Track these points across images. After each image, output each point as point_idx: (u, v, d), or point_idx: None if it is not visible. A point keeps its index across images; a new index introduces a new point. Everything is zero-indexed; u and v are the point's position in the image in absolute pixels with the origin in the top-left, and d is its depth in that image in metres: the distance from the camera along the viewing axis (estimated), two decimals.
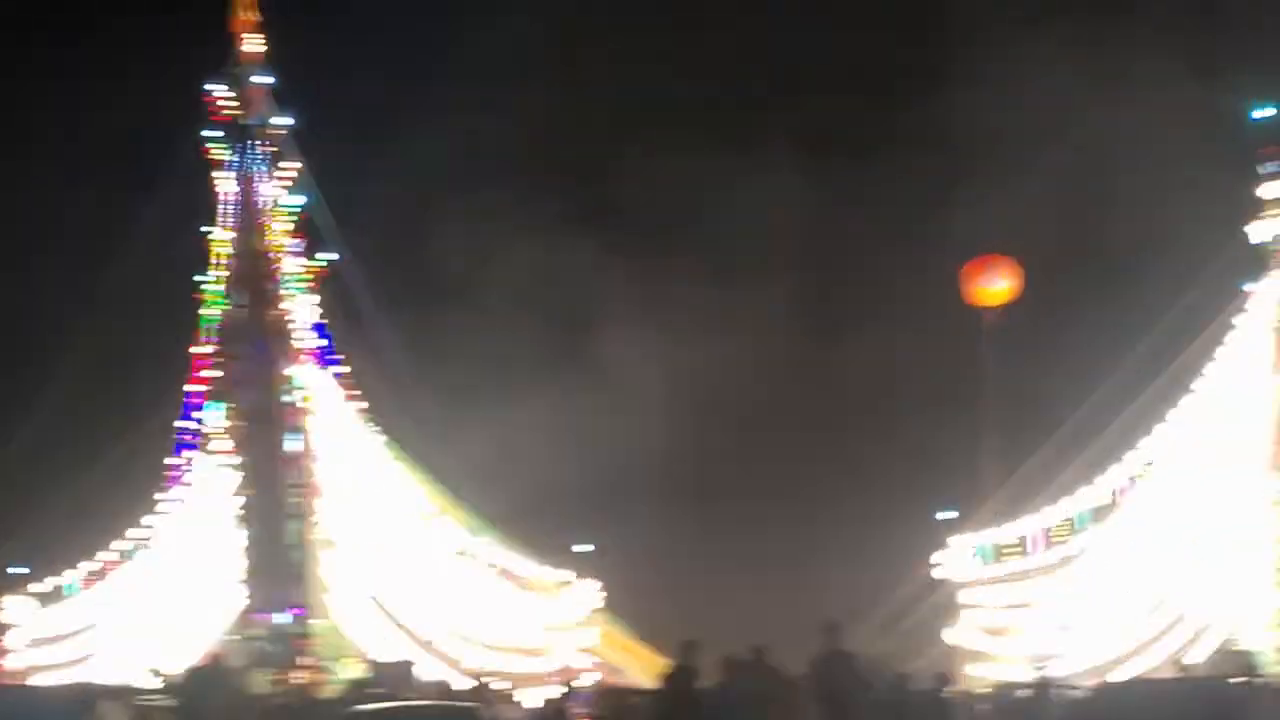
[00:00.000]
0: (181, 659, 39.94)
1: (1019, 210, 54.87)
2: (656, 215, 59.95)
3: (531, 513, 52.06)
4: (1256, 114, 48.43)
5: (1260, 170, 49.06)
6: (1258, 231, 49.49)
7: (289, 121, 52.10)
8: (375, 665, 47.55)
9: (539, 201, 58.36)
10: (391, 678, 42.73)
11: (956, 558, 51.23)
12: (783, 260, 58.31)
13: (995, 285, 52.84)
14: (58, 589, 52.60)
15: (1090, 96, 56.54)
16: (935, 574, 51.17)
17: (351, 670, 48.09)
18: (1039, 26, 57.56)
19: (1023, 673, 46.11)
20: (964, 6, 59.96)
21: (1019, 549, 51.25)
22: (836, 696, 19.43)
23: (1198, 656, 48.13)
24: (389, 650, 50.84)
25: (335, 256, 51.98)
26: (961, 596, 51.27)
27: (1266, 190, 49.31)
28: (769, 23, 62.04)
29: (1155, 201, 53.12)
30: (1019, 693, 33.53)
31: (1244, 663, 41.92)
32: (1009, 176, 55.05)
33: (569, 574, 52.47)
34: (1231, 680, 30.05)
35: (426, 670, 48.17)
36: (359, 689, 39.71)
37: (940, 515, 52.57)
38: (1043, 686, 31.34)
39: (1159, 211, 52.99)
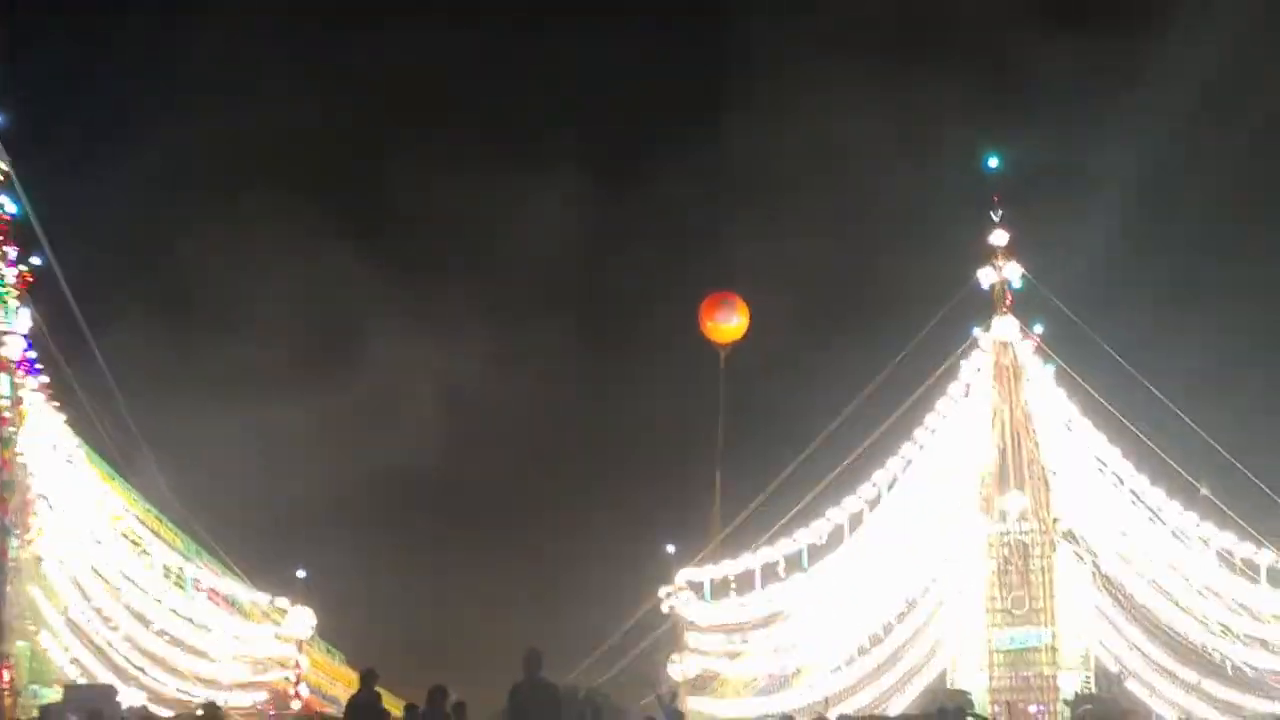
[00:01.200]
0: None
1: (778, 247, 55.44)
2: (430, 228, 58.35)
3: (250, 535, 50.17)
4: (990, 162, 50.06)
5: (992, 217, 50.67)
6: (986, 277, 51.01)
7: None
8: (74, 689, 45.19)
9: (301, 208, 56.26)
10: (90, 702, 40.51)
11: (683, 591, 50.97)
12: (550, 288, 57.48)
13: (727, 322, 52.91)
14: None
15: (853, 140, 57.34)
16: (663, 607, 50.78)
17: (48, 694, 45.63)
18: (828, 72, 58.45)
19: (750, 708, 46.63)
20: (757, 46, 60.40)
21: (745, 584, 51.24)
22: None
23: (913, 693, 49.29)
24: (90, 674, 48.48)
25: (39, 262, 48.77)
26: (687, 629, 50.95)
27: (995, 237, 50.89)
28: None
29: (899, 247, 54.29)
30: None
31: (958, 701, 42.99)
32: (774, 213, 55.58)
33: (285, 599, 50.66)
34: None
35: (128, 696, 46.08)
36: (54, 713, 37.75)
37: (669, 549, 52.33)
38: None
39: (902, 255, 54.19)
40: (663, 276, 55.72)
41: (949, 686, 49.64)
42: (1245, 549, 48.47)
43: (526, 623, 49.43)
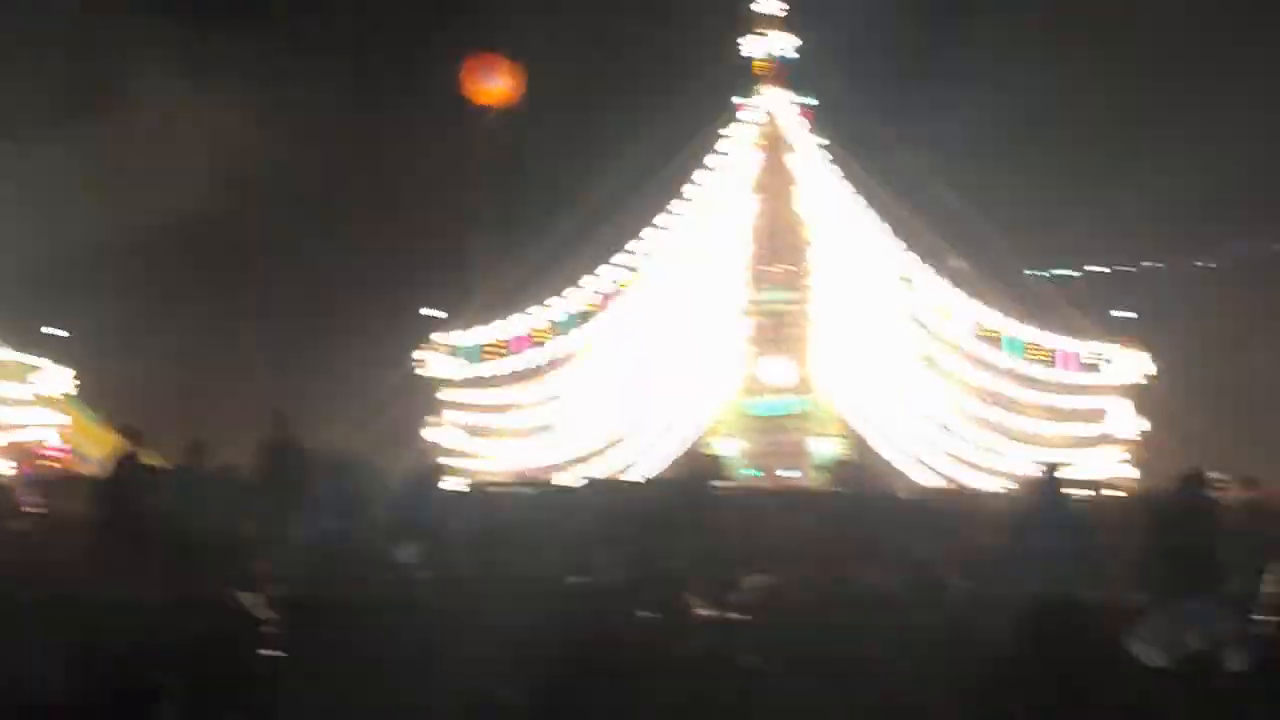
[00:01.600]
0: None
1: (550, 6, 53.74)
2: None
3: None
4: None
5: None
6: (750, 46, 50.39)
7: None
8: None
9: None
10: None
11: (440, 356, 50.39)
12: (321, 42, 54.69)
13: (493, 84, 51.44)
14: None
15: None
16: (419, 371, 50.15)
17: None
18: None
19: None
20: None
21: (503, 350, 50.82)
22: (285, 486, 18.01)
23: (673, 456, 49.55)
24: None
25: None
26: (443, 395, 50.48)
27: (761, 5, 50.18)
28: None
29: (660, 11, 52.96)
30: None
31: (714, 466, 43.23)
32: None
33: (38, 358, 48.86)
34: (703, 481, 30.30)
35: None
36: None
37: (426, 312, 51.55)
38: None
39: (663, 22, 52.94)
40: (437, 39, 53.51)
41: (706, 451, 49.86)
42: (994, 320, 49.30)
43: (285, 383, 48.10)
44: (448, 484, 21.88)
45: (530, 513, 18.70)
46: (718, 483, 30.80)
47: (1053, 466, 11.34)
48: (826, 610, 6.93)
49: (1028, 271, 53.18)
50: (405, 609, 7.03)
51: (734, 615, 6.90)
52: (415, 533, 14.13)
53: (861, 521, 13.66)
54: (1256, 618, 9.01)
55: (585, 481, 39.90)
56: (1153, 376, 48.54)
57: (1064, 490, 10.96)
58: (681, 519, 14.45)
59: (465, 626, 6.74)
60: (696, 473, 33.07)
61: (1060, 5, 60.01)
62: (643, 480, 40.78)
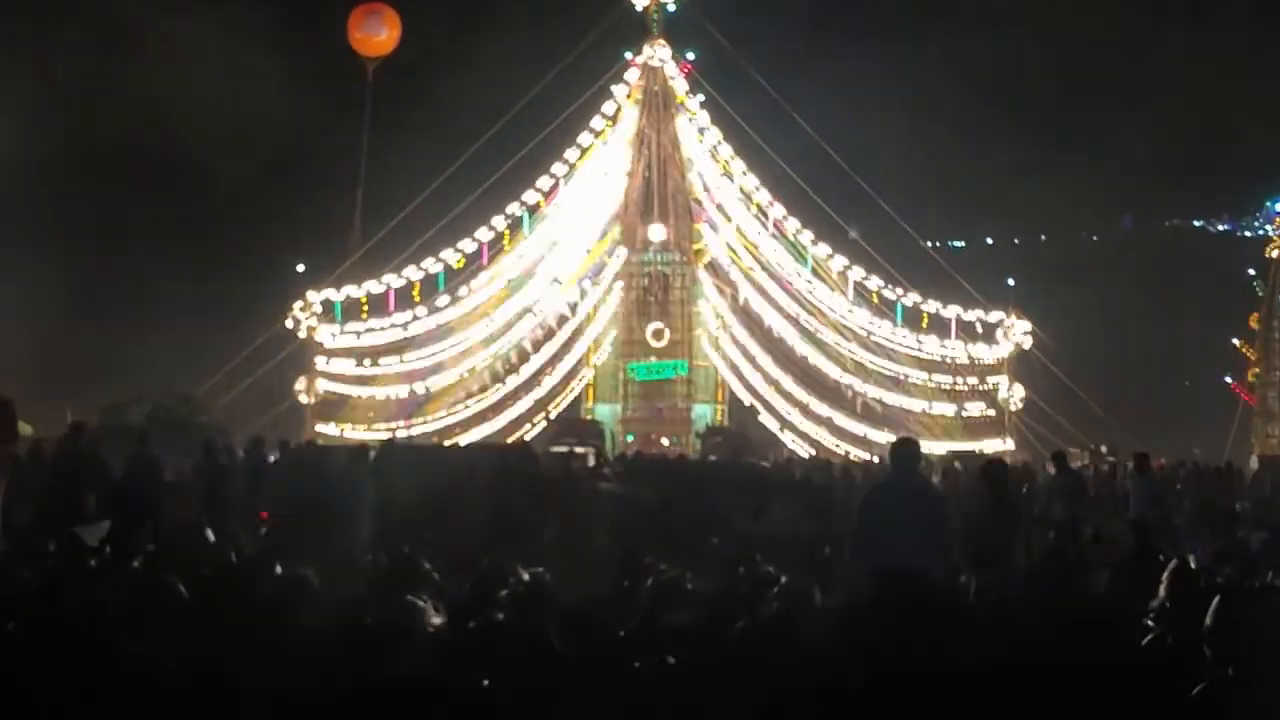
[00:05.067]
0: None
1: None
2: None
3: None
4: None
5: None
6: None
7: None
8: None
9: None
10: None
11: (313, 312, 48.97)
12: None
13: (376, 34, 49.91)
14: None
15: None
16: (290, 327, 48.71)
17: None
18: None
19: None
20: None
21: (378, 307, 49.50)
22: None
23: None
24: None
25: None
26: (316, 352, 49.10)
27: None
28: None
29: None
30: None
31: (591, 430, 42.52)
32: None
33: None
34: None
35: None
36: None
37: (300, 268, 50.10)
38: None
39: None
40: None
41: (583, 417, 49.13)
42: (891, 292, 48.84)
43: (149, 338, 46.53)
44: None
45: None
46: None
47: (905, 440, 10.71)
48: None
49: (921, 241, 52.93)
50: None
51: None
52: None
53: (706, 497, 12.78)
54: None
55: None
56: (1034, 345, 48.28)
57: (916, 463, 10.35)
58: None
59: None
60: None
61: None
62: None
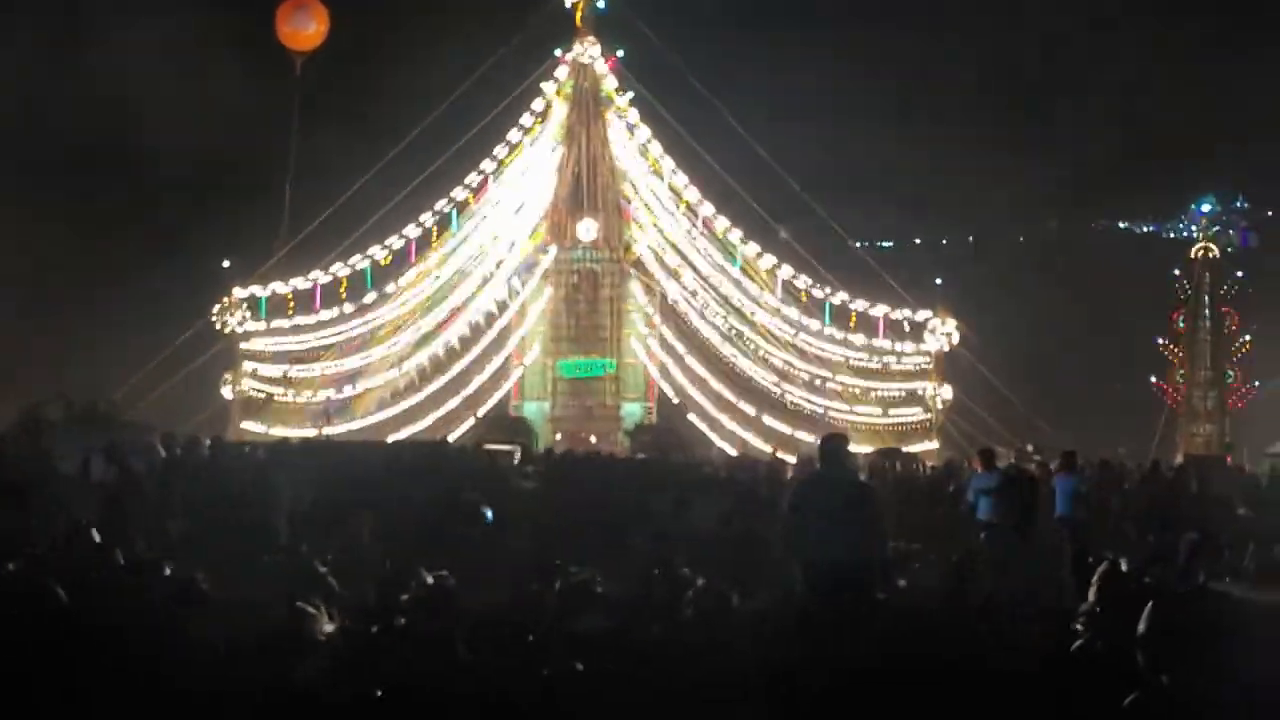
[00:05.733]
0: None
1: None
2: None
3: None
4: None
5: None
6: None
7: None
8: None
9: None
10: None
11: (239, 308, 48.30)
12: None
13: (304, 28, 49.24)
14: None
15: None
16: (216, 324, 48.02)
17: None
18: None
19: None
20: None
21: (305, 303, 48.85)
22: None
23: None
24: None
25: None
26: (243, 348, 48.42)
27: None
28: None
29: None
30: None
31: (519, 428, 42.20)
32: None
33: None
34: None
35: None
36: None
37: (225, 264, 49.42)
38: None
39: None
40: None
41: (511, 415, 48.78)
42: (820, 291, 48.73)
43: (70, 336, 45.85)
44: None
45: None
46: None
47: (833, 435, 10.56)
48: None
49: (850, 241, 52.98)
50: None
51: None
52: None
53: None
54: None
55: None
56: (962, 344, 48.40)
57: (845, 457, 10.21)
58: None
59: None
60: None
61: None
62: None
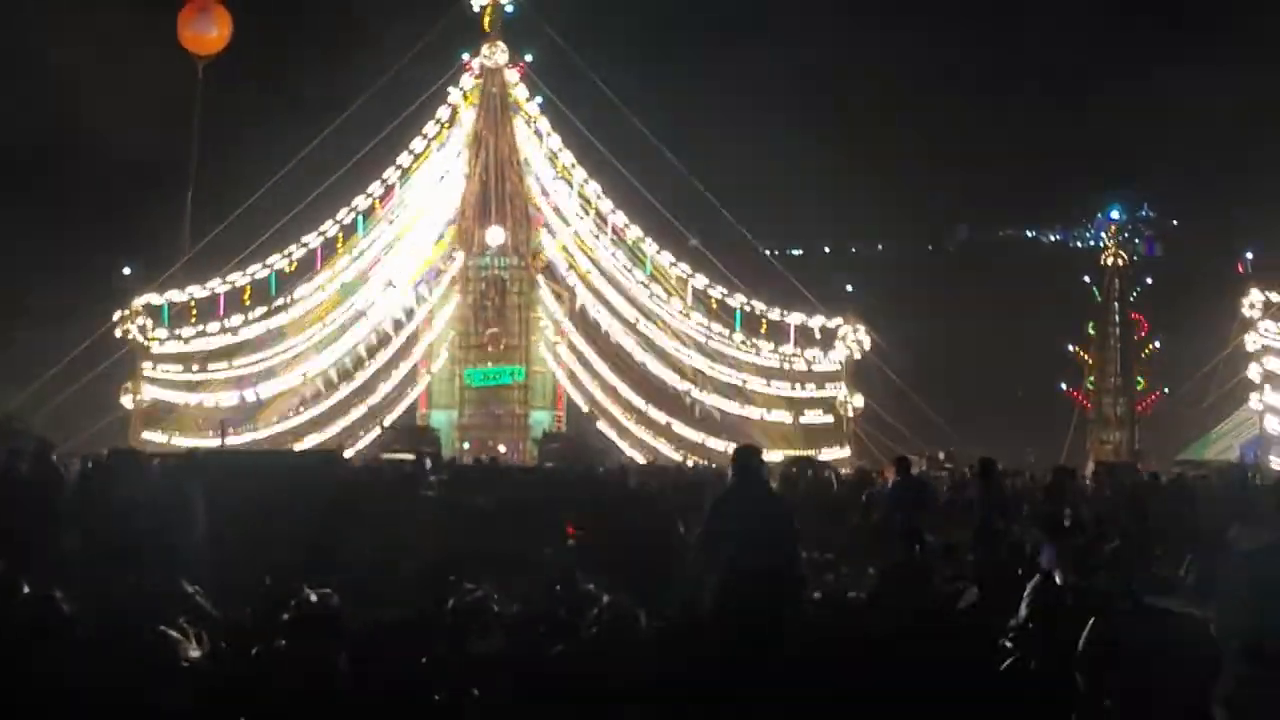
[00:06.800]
0: None
1: None
2: None
3: None
4: None
5: None
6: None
7: None
8: None
9: None
10: None
11: (141, 317, 47.32)
12: None
13: (206, 32, 48.28)
14: None
15: None
16: (117, 333, 47.03)
17: None
18: None
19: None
20: None
21: (207, 311, 47.97)
22: None
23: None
24: None
25: None
26: (143, 358, 47.43)
27: None
28: None
29: None
30: None
31: (426, 438, 41.73)
32: None
33: None
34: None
35: None
36: None
37: (126, 271, 48.42)
38: None
39: None
40: None
41: (419, 423, 48.17)
42: (732, 299, 48.57)
43: None
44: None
45: None
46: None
47: (747, 447, 10.37)
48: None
49: (759, 248, 52.88)
50: None
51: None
52: None
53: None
54: None
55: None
56: (875, 353, 48.41)
57: (760, 468, 10.01)
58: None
59: None
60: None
61: None
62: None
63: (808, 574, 10.07)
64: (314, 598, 5.79)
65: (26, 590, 5.64)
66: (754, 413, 48.15)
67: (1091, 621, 4.85)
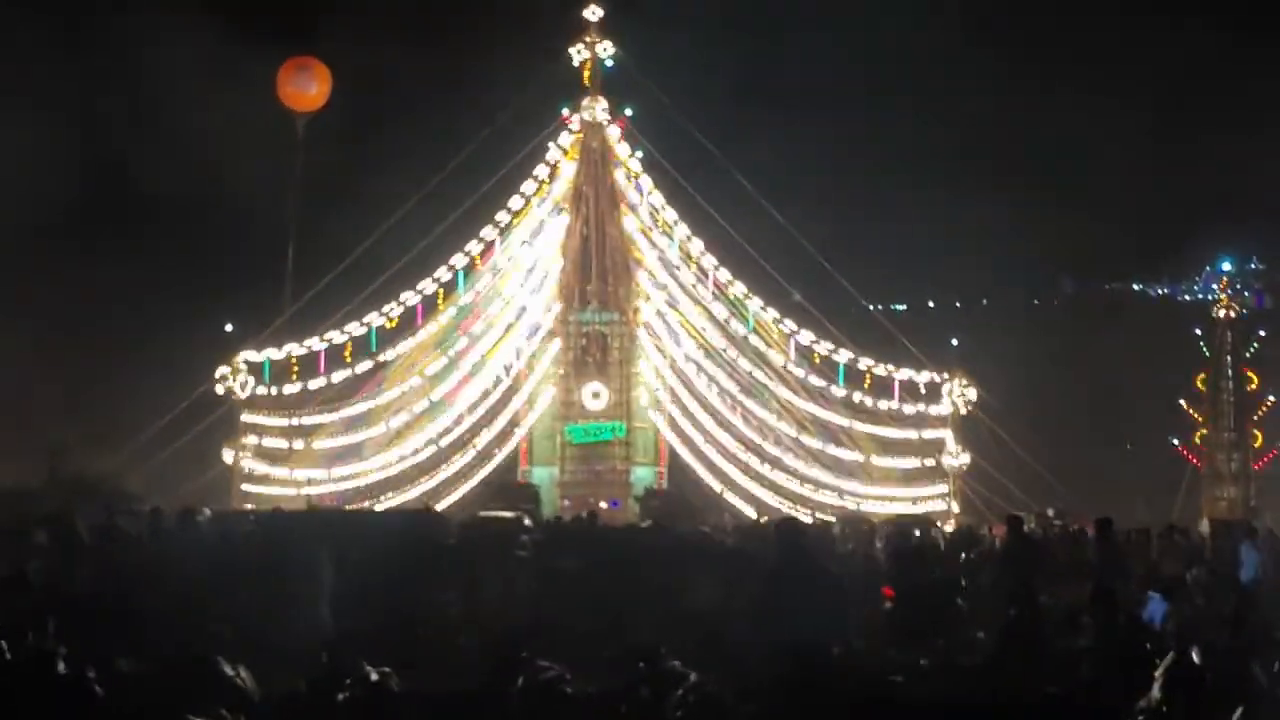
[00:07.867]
0: None
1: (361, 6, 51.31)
2: None
3: None
4: None
5: None
6: (577, 54, 48.72)
7: None
8: None
9: None
10: None
11: (241, 374, 47.47)
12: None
13: (306, 89, 48.64)
14: None
15: None
16: (218, 390, 47.19)
17: None
18: None
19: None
20: None
21: (307, 369, 48.03)
22: None
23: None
24: None
25: None
26: (244, 416, 47.53)
27: (588, 12, 48.59)
28: None
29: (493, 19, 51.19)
30: None
31: (525, 494, 41.52)
32: None
33: None
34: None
35: None
36: None
37: (228, 329, 48.70)
38: None
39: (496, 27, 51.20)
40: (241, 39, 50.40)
41: (520, 480, 47.90)
42: (826, 348, 47.92)
43: (76, 401, 45.15)
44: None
45: None
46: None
47: (787, 525, 10.05)
48: None
49: (864, 303, 52.35)
50: None
51: None
52: None
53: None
54: None
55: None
56: (978, 406, 47.46)
57: (803, 540, 9.68)
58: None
59: None
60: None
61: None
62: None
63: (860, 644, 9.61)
64: (375, 676, 5.36)
65: (62, 669, 5.24)
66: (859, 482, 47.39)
67: (1240, 710, 4.30)
